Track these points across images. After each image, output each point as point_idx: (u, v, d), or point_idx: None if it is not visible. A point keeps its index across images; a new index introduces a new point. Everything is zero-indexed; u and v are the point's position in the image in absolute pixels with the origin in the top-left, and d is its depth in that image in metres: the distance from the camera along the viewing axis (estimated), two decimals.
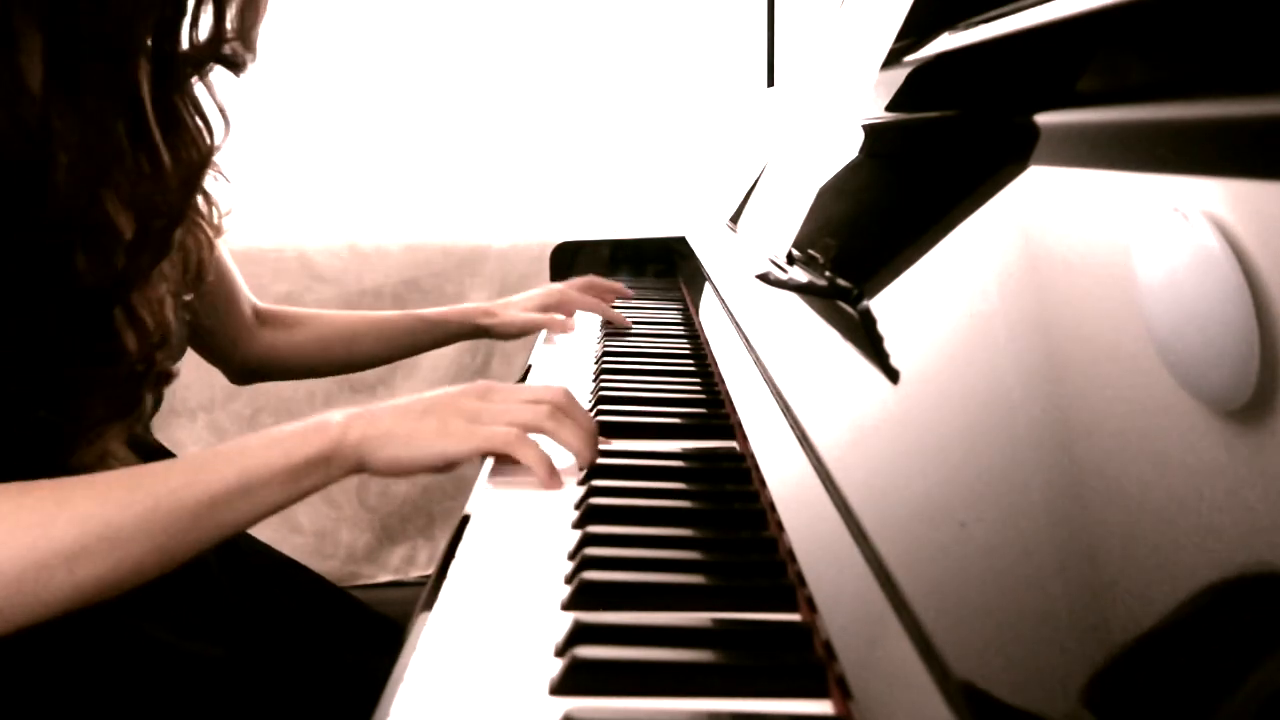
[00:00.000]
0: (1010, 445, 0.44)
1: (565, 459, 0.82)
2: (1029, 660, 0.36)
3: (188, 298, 0.98)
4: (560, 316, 1.41)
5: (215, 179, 1.00)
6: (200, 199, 0.97)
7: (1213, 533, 0.31)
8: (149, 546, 0.70)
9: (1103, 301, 0.42)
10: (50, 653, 0.82)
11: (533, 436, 0.80)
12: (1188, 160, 0.40)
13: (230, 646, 0.90)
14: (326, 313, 1.36)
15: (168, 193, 0.82)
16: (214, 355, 1.24)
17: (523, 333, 1.41)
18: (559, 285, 1.48)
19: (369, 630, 1.07)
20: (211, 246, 0.98)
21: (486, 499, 0.78)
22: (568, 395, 0.84)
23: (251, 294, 1.26)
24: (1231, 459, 0.32)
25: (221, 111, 0.93)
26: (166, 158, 0.82)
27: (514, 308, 1.41)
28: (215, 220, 1.00)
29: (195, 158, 0.87)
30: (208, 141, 0.90)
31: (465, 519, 0.75)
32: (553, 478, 0.78)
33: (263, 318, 1.27)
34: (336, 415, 0.77)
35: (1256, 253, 0.33)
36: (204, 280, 0.97)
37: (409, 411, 0.78)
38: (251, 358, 1.25)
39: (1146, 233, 0.39)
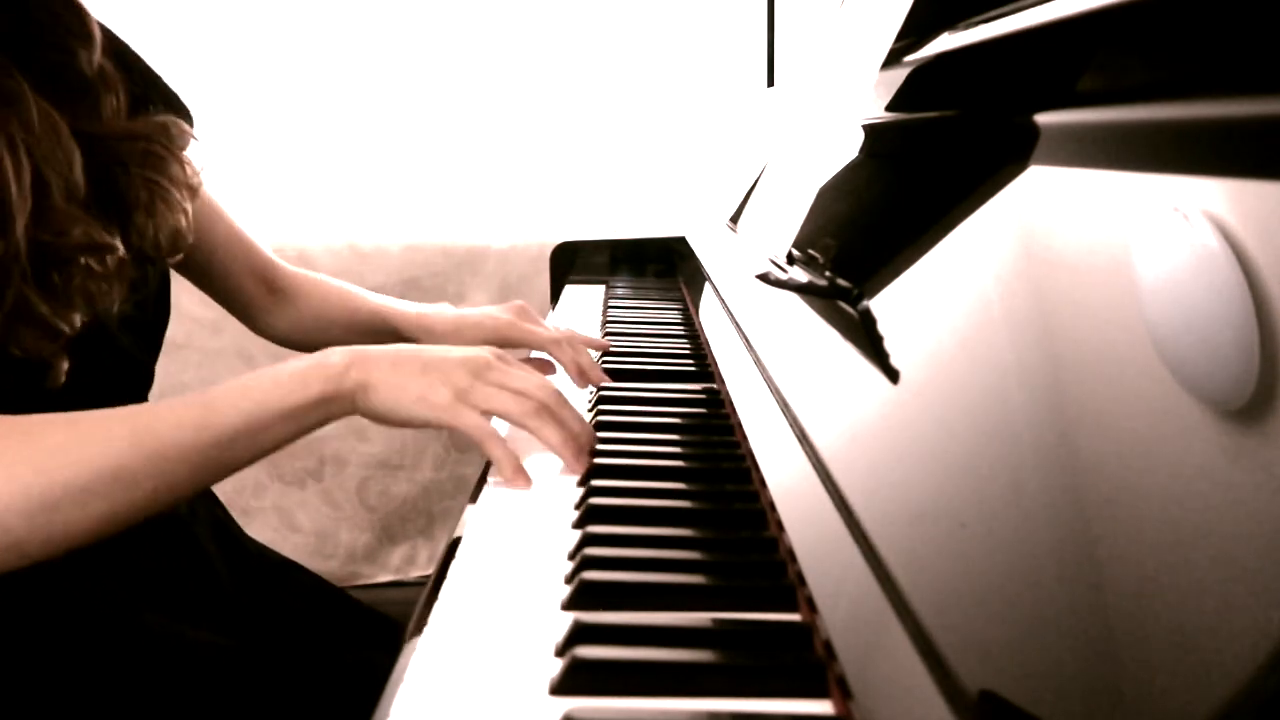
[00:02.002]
0: (1010, 445, 0.44)
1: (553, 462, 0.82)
2: (1029, 660, 0.36)
3: (171, 261, 0.97)
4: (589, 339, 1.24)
5: (188, 139, 0.98)
6: (174, 163, 0.96)
7: (1213, 533, 0.31)
8: (158, 484, 0.73)
9: (1103, 301, 0.42)
10: (56, 641, 0.82)
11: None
12: (1188, 160, 0.40)
13: (236, 640, 0.91)
14: (334, 285, 1.28)
15: None
16: (237, 316, 1.22)
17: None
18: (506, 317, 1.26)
19: (369, 630, 1.07)
20: (186, 210, 0.96)
21: (487, 498, 0.78)
22: (555, 396, 0.83)
23: (274, 258, 1.21)
24: (1231, 459, 0.32)
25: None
26: None
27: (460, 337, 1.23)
28: (191, 181, 0.98)
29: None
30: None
31: (464, 522, 0.75)
32: (517, 476, 0.78)
33: (273, 287, 1.21)
34: (336, 355, 0.80)
35: (1256, 253, 0.33)
36: (182, 245, 0.96)
37: (406, 365, 0.80)
38: (266, 328, 1.24)
39: (1146, 233, 0.39)
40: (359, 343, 1.30)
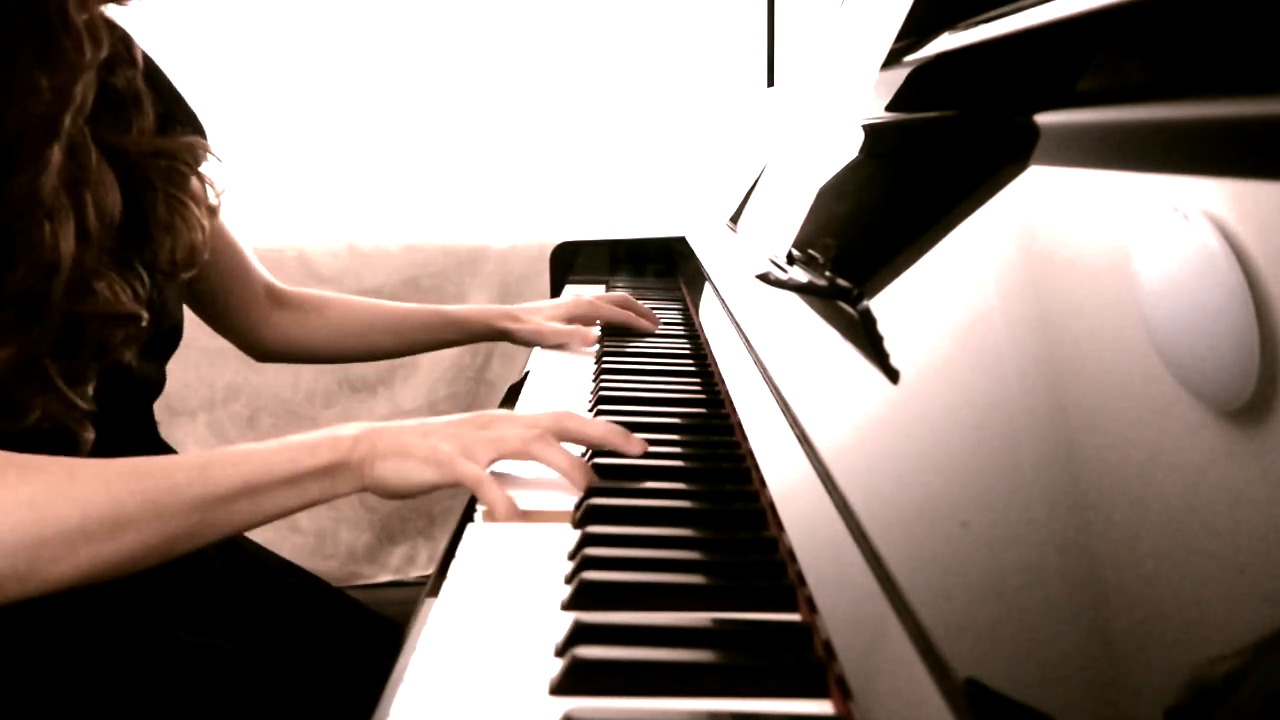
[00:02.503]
0: (1010, 445, 0.44)
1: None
2: (1029, 660, 0.36)
3: (185, 276, 0.98)
4: (588, 332, 1.33)
5: (210, 159, 1.00)
6: (194, 179, 0.97)
7: (1213, 532, 0.31)
8: (150, 535, 0.72)
9: (1103, 301, 0.42)
10: (57, 644, 0.82)
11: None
12: (1188, 160, 0.40)
13: (236, 643, 0.91)
14: (345, 298, 1.33)
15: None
16: (228, 332, 1.23)
17: (544, 343, 1.33)
18: (588, 296, 1.42)
19: (369, 631, 1.07)
20: (204, 227, 0.98)
21: (479, 513, 0.78)
22: (566, 420, 0.82)
23: (273, 278, 1.25)
24: (1231, 459, 0.32)
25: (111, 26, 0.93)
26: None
27: (540, 314, 1.35)
28: (210, 200, 1.00)
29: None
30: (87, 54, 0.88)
31: (465, 518, 0.75)
32: (512, 515, 0.76)
33: (279, 299, 1.25)
34: (351, 429, 0.78)
35: (1256, 253, 0.33)
36: (197, 261, 0.97)
37: (411, 431, 0.79)
38: (266, 340, 1.25)
39: (1146, 233, 0.39)
40: (386, 348, 1.33)
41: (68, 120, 0.81)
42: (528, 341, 1.34)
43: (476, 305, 1.40)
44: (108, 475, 0.72)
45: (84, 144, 0.84)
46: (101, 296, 0.83)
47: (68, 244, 0.80)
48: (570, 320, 1.36)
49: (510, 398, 1.13)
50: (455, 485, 0.78)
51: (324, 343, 1.29)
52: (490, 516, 0.76)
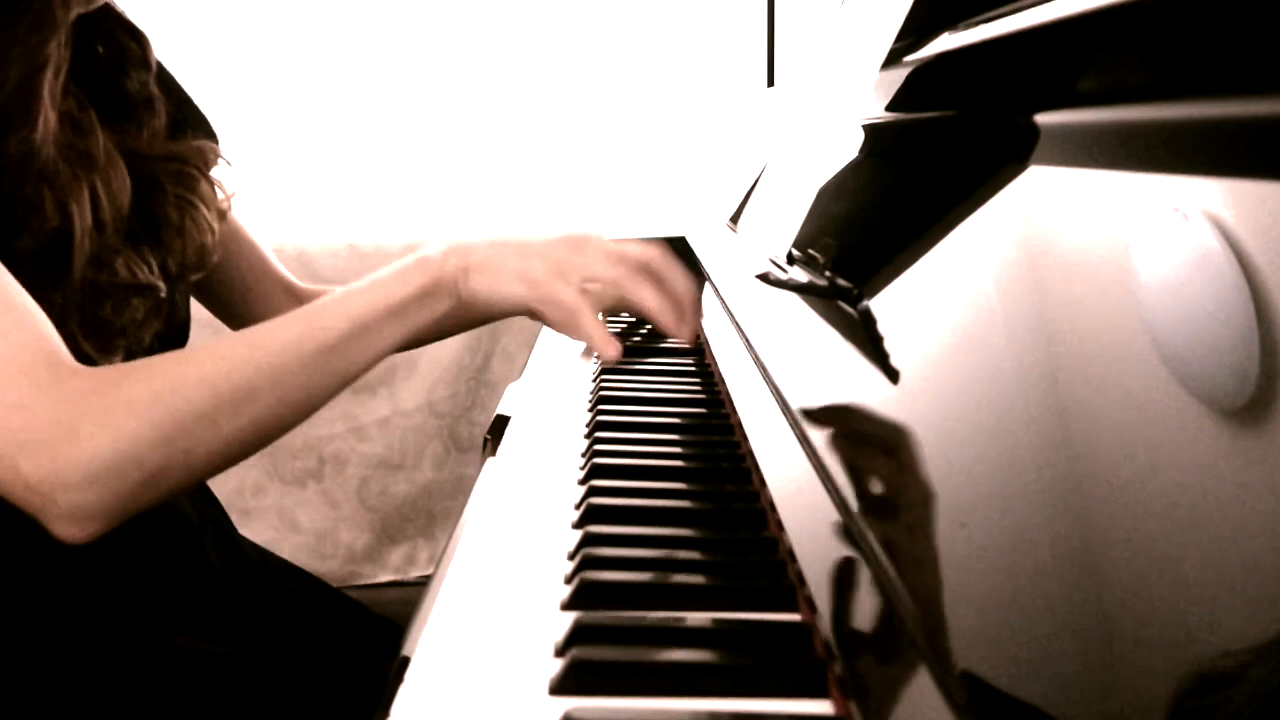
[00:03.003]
0: (1010, 445, 0.44)
1: (561, 468, 0.82)
2: (1029, 660, 0.36)
3: (194, 278, 0.98)
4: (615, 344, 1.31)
5: (220, 163, 1.01)
6: (202, 182, 0.98)
7: (1213, 533, 0.31)
8: (278, 397, 0.74)
9: (1103, 301, 0.42)
10: (56, 646, 0.82)
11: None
12: (1188, 160, 0.40)
13: (235, 647, 0.91)
14: None
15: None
16: None
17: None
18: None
19: (369, 631, 1.07)
20: (214, 230, 0.98)
21: (487, 496, 0.78)
22: (657, 259, 0.81)
23: (290, 275, 1.24)
24: (1231, 459, 0.32)
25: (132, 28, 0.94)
26: None
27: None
28: (219, 203, 1.01)
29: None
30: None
31: (463, 519, 0.75)
32: (607, 348, 0.76)
33: (299, 297, 1.25)
34: (435, 248, 0.79)
35: (1256, 253, 0.33)
36: (206, 263, 0.98)
37: (503, 246, 0.79)
38: None
39: (1146, 233, 0.39)
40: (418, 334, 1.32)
41: (47, 80, 0.81)
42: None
43: None
44: (222, 353, 0.75)
45: (91, 129, 0.84)
46: (120, 272, 0.84)
47: (82, 215, 0.80)
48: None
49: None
50: (546, 305, 0.78)
51: None
52: (588, 354, 0.74)
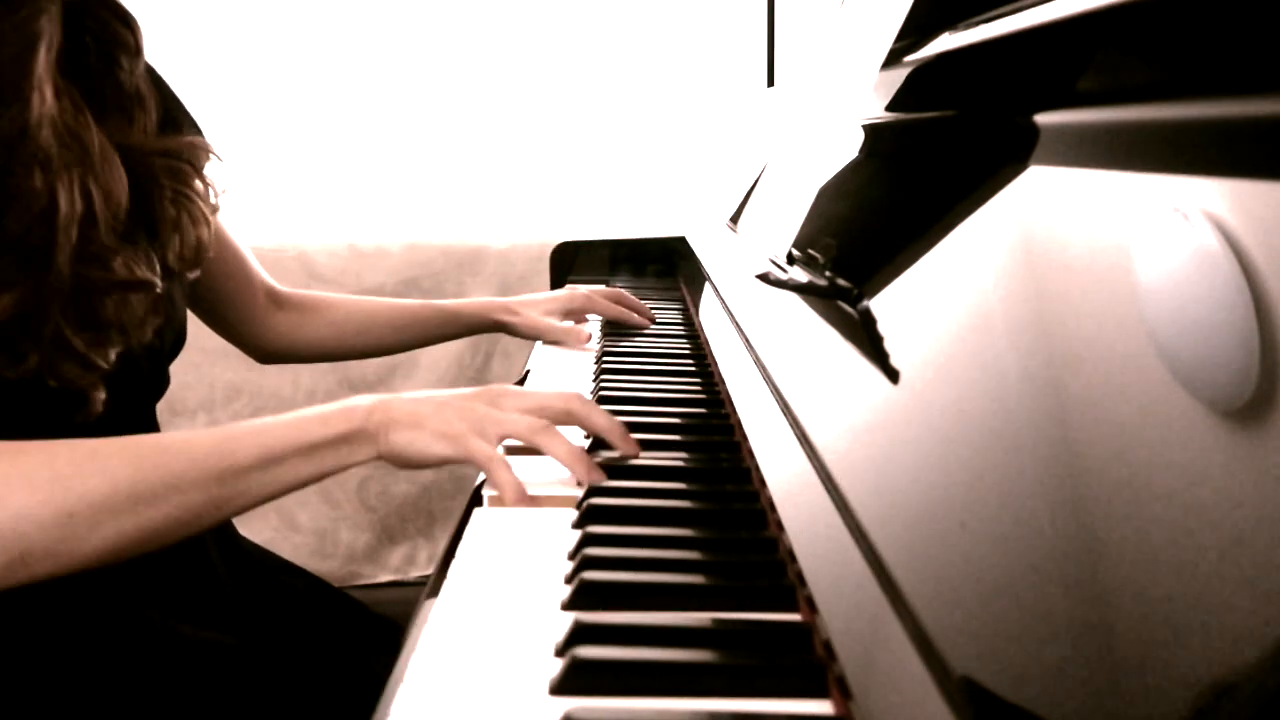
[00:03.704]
0: (1010, 445, 0.44)
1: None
2: (1029, 660, 0.36)
3: (191, 275, 0.99)
4: (582, 330, 1.34)
5: (211, 159, 1.01)
6: (196, 178, 0.98)
7: (1213, 533, 0.31)
8: (173, 508, 0.74)
9: (1103, 301, 0.42)
10: (59, 638, 0.83)
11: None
12: (1188, 160, 0.40)
13: (236, 641, 0.91)
14: (344, 298, 1.35)
15: None
16: (230, 335, 1.24)
17: (540, 338, 1.35)
18: (584, 290, 1.43)
19: (369, 631, 1.07)
20: (209, 224, 0.99)
21: (486, 497, 0.78)
22: (575, 405, 0.83)
23: (272, 280, 1.25)
24: (1231, 459, 0.32)
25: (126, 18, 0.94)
26: None
27: (536, 309, 1.36)
28: (212, 200, 1.01)
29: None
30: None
31: (466, 518, 0.75)
32: (518, 501, 0.77)
33: (279, 301, 1.26)
34: (363, 400, 0.81)
35: (1256, 253, 0.33)
36: (202, 259, 0.98)
37: (423, 406, 0.80)
38: (267, 340, 1.25)
39: (1146, 233, 0.39)
40: (386, 343, 1.35)
41: (40, 56, 0.81)
42: (525, 335, 1.37)
43: (474, 299, 1.40)
44: (130, 451, 0.74)
45: (86, 127, 0.84)
46: (117, 269, 0.84)
47: (71, 202, 0.80)
48: (566, 314, 1.38)
49: None
50: (466, 461, 0.79)
51: (326, 341, 1.30)
52: (498, 501, 0.76)
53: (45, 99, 0.81)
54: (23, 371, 0.78)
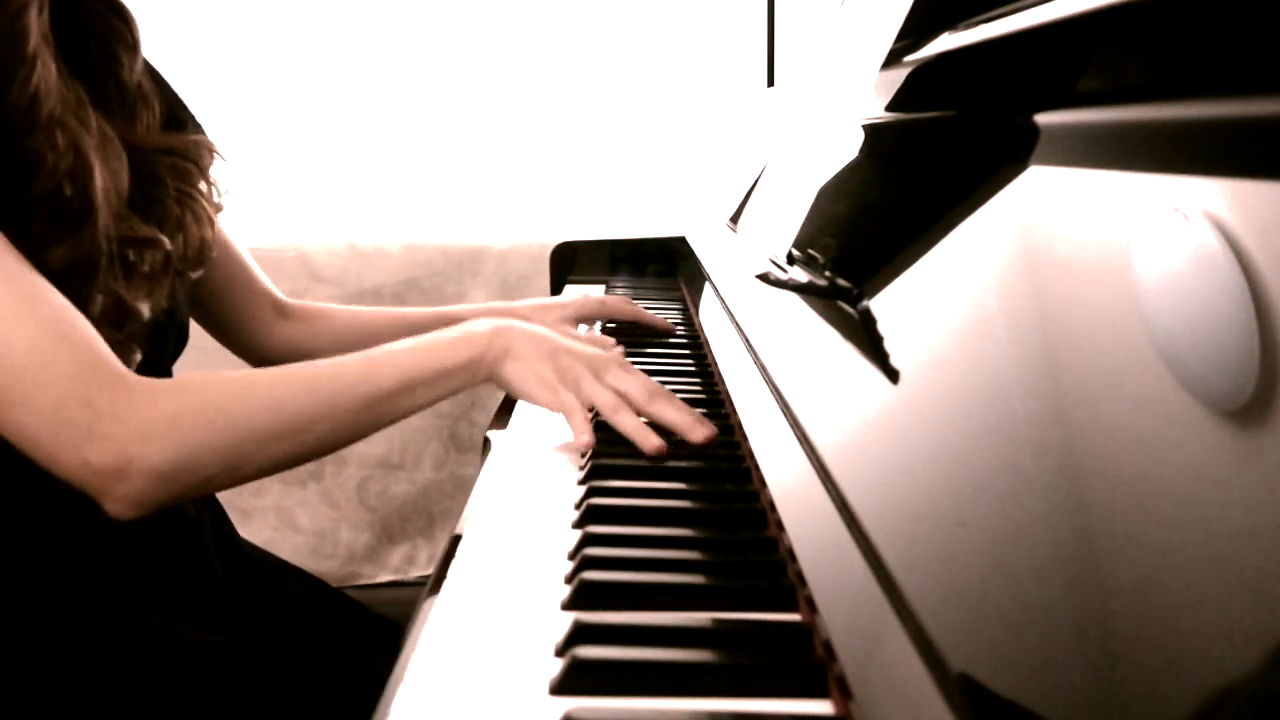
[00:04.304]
0: (1010, 445, 0.44)
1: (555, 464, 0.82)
2: (1029, 660, 0.36)
3: (195, 275, 0.99)
4: (602, 336, 1.29)
5: (214, 158, 1.01)
6: (203, 180, 0.99)
7: (1213, 532, 0.31)
8: (328, 430, 0.83)
9: (1103, 301, 0.42)
10: (60, 639, 0.83)
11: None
12: (1188, 160, 0.40)
13: (235, 642, 0.91)
14: (346, 309, 1.33)
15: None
16: (232, 344, 1.24)
17: None
18: (598, 295, 1.41)
19: (369, 631, 1.07)
20: (213, 223, 0.99)
21: (486, 497, 0.78)
22: (660, 398, 0.87)
23: (275, 289, 1.25)
24: (1231, 459, 0.32)
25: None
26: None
27: (546, 316, 1.28)
28: (216, 199, 1.02)
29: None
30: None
31: (464, 521, 0.75)
32: (581, 440, 0.84)
33: (284, 311, 1.25)
34: (484, 325, 0.89)
35: (1256, 253, 0.33)
36: (206, 258, 0.98)
37: (543, 345, 0.89)
38: (269, 350, 1.24)
39: (1146, 233, 0.39)
40: None
41: (33, 19, 0.83)
42: None
43: (480, 304, 1.37)
44: (287, 381, 0.83)
45: (82, 104, 0.86)
46: (127, 229, 0.88)
47: (90, 158, 0.83)
48: (580, 320, 1.33)
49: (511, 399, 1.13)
50: (556, 411, 0.88)
51: (326, 353, 1.27)
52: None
53: (49, 65, 0.83)
54: (90, 316, 0.83)
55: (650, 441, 0.83)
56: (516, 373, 0.87)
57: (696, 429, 0.85)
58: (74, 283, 0.82)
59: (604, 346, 0.95)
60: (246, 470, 0.82)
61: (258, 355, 1.25)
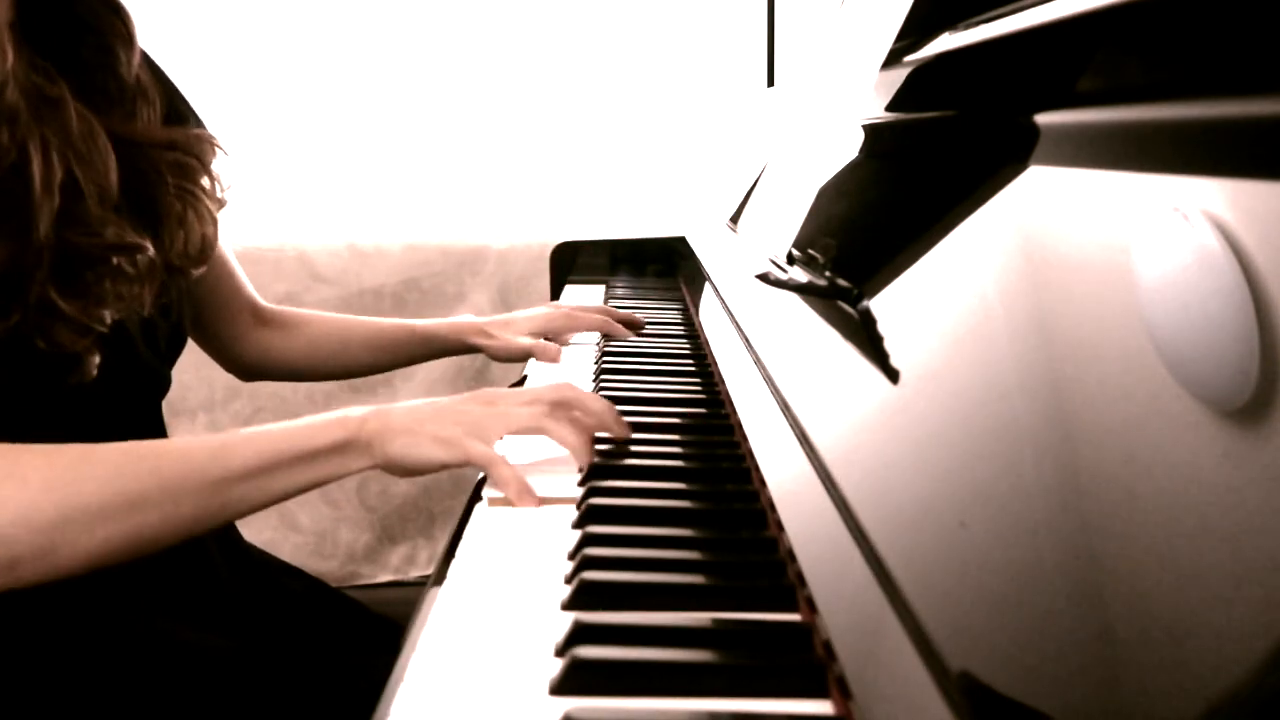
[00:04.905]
0: (1010, 445, 0.44)
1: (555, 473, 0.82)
2: (1029, 660, 0.36)
3: (196, 272, 0.98)
4: (550, 346, 1.29)
5: (217, 153, 1.00)
6: (202, 173, 0.98)
7: (1212, 532, 0.31)
8: (167, 515, 0.74)
9: (1103, 301, 0.42)
10: (60, 640, 0.83)
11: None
12: (1188, 160, 0.40)
13: (236, 642, 0.91)
14: (323, 315, 1.32)
15: None
16: (212, 349, 1.23)
17: (512, 359, 1.32)
18: (566, 306, 1.40)
19: (369, 631, 1.07)
20: (215, 221, 0.98)
21: (486, 497, 0.78)
22: (567, 392, 0.84)
23: (257, 295, 1.25)
24: (1231, 459, 0.32)
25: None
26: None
27: (513, 329, 1.32)
28: (218, 195, 1.01)
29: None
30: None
31: (466, 518, 0.75)
32: (522, 497, 0.77)
33: (262, 317, 1.25)
34: (358, 410, 0.81)
35: (1256, 253, 0.33)
36: (208, 256, 0.98)
37: (419, 413, 0.81)
38: (247, 356, 1.24)
39: (1146, 233, 0.39)
40: (363, 363, 1.32)
41: None
42: (499, 357, 1.32)
43: (450, 319, 1.36)
44: (125, 457, 0.74)
45: (62, 101, 0.84)
46: (108, 236, 0.84)
47: (43, 161, 0.79)
48: (545, 332, 1.33)
49: None
50: (466, 464, 0.80)
51: (300, 361, 1.27)
52: (502, 502, 0.77)
53: (7, 56, 0.80)
54: (5, 329, 0.78)
55: (593, 457, 0.80)
56: (404, 448, 0.79)
57: (616, 420, 0.84)
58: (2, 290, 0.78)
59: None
60: (70, 555, 0.71)
61: (234, 362, 1.24)
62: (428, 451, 0.79)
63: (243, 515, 0.79)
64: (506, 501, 0.77)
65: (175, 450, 0.77)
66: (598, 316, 1.36)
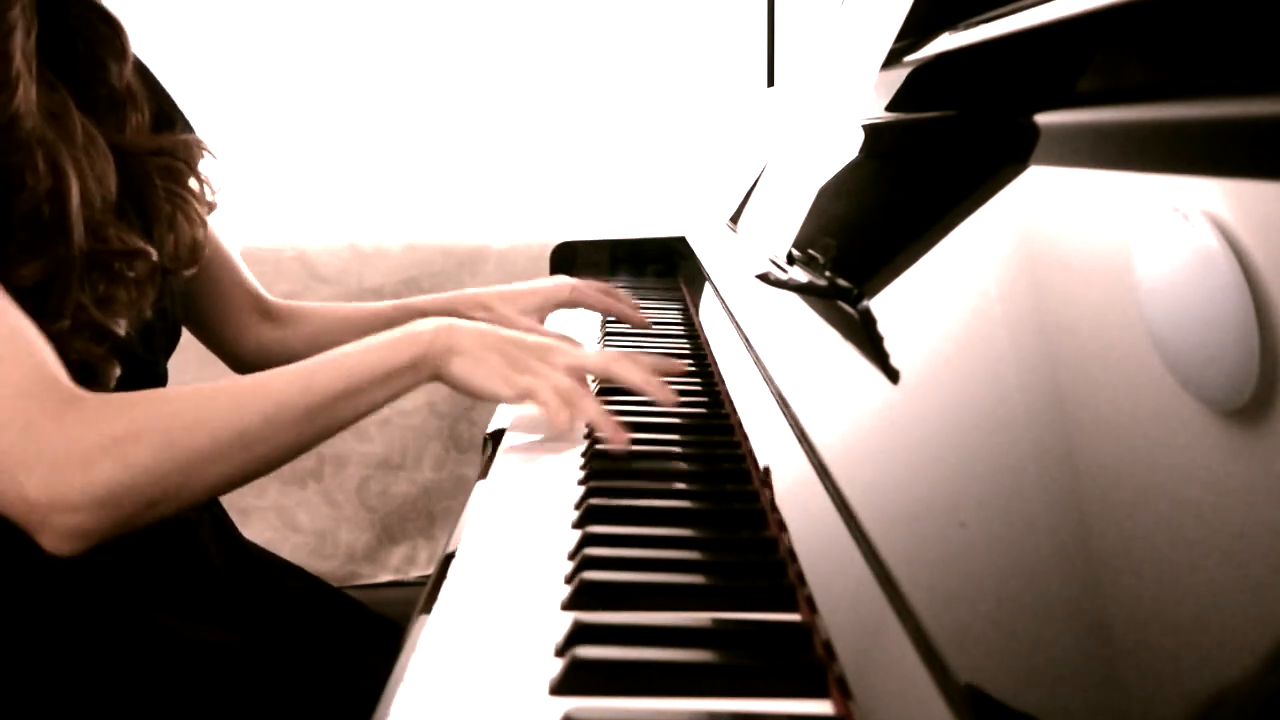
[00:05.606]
0: (1010, 445, 0.44)
1: (557, 473, 0.82)
2: (1029, 660, 0.36)
3: (188, 274, 0.99)
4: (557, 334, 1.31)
5: (205, 157, 1.01)
6: (191, 176, 0.99)
7: (1212, 532, 0.31)
8: (271, 445, 0.81)
9: (1103, 301, 0.42)
10: (62, 638, 0.83)
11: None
12: (1188, 160, 0.40)
13: (235, 641, 0.91)
14: (326, 307, 1.32)
15: None
16: (210, 342, 1.23)
17: None
18: (570, 280, 1.36)
19: (369, 631, 1.07)
20: (204, 222, 0.99)
21: (486, 498, 0.78)
22: (615, 363, 0.89)
23: (263, 290, 1.24)
24: (1231, 459, 0.32)
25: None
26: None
27: (515, 304, 1.28)
28: (208, 198, 1.02)
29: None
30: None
31: (464, 520, 0.75)
32: (609, 427, 0.83)
33: (268, 313, 1.25)
34: (426, 325, 0.87)
35: (1256, 253, 0.33)
36: (198, 257, 0.98)
37: (484, 341, 0.87)
38: (246, 351, 1.24)
39: (1146, 233, 0.39)
40: None
41: (18, 43, 0.83)
42: None
43: (449, 293, 1.33)
44: (225, 397, 0.81)
45: (65, 109, 0.86)
46: (113, 241, 0.87)
47: (79, 174, 0.83)
48: (549, 310, 1.31)
49: None
50: (524, 400, 0.86)
51: (299, 354, 1.27)
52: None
53: (31, 85, 0.83)
54: (56, 331, 0.82)
55: (619, 435, 0.83)
56: (464, 367, 0.86)
57: (659, 390, 0.88)
58: (46, 299, 0.81)
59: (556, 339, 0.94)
60: (192, 492, 0.79)
61: (234, 356, 1.24)
62: (481, 380, 0.86)
63: (335, 433, 0.85)
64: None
65: (269, 386, 0.82)
66: (605, 299, 1.34)
